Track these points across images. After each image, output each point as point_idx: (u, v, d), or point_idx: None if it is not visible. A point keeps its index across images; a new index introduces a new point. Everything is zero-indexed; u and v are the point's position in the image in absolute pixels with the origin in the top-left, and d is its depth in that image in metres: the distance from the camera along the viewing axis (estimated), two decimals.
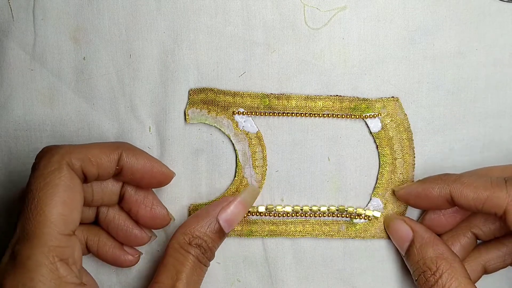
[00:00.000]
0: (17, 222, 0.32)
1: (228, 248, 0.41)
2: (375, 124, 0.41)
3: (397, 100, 0.41)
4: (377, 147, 0.41)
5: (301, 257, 0.42)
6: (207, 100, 0.40)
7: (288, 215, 0.41)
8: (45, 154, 0.33)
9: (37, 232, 0.31)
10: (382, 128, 0.41)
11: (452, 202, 0.37)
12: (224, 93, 0.40)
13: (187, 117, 0.40)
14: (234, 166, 0.41)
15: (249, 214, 0.41)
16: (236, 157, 0.41)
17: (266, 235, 0.41)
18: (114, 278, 0.41)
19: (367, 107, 0.41)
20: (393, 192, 0.41)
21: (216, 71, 0.41)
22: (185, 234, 0.37)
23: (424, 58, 0.41)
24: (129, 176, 0.36)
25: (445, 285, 0.36)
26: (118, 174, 0.36)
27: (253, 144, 0.41)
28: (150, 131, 0.41)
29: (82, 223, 0.38)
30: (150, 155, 0.38)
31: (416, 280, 0.38)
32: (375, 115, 0.41)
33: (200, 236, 0.37)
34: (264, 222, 0.41)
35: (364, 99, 0.41)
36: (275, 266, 0.42)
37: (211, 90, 0.40)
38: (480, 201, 0.36)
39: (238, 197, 0.39)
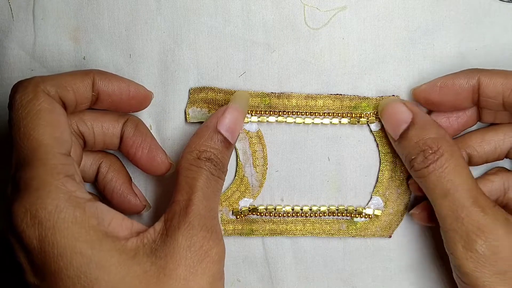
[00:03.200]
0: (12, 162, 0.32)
1: (228, 248, 0.41)
2: (375, 123, 0.41)
3: (398, 98, 0.41)
4: (377, 146, 0.41)
5: (301, 257, 0.42)
6: (207, 99, 0.40)
7: (288, 215, 0.41)
8: (18, 88, 0.32)
9: (34, 155, 0.30)
10: (383, 126, 0.41)
11: (476, 96, 0.37)
12: (225, 92, 0.40)
13: (187, 116, 0.40)
14: (235, 166, 0.41)
15: (249, 213, 0.41)
16: (237, 156, 0.41)
17: (267, 234, 0.41)
18: None
19: (368, 106, 0.41)
20: (413, 93, 0.40)
21: (216, 71, 0.41)
22: (191, 152, 0.35)
23: (424, 58, 0.41)
24: (107, 100, 0.36)
25: (444, 164, 0.35)
26: (97, 101, 0.36)
27: (253, 143, 0.41)
28: (151, 129, 0.41)
29: (95, 151, 0.38)
30: (125, 78, 0.38)
31: (412, 159, 0.36)
32: (375, 113, 0.41)
33: (206, 149, 0.35)
34: (264, 221, 0.41)
35: (365, 98, 0.41)
36: (275, 266, 0.42)
37: (212, 89, 0.40)
38: (509, 86, 0.36)
39: (230, 104, 0.38)
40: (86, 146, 0.37)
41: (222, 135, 0.36)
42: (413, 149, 0.37)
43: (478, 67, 0.39)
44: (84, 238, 0.30)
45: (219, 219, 0.41)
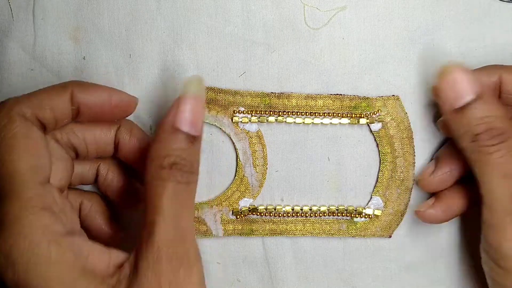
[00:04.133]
0: None
1: (228, 248, 0.41)
2: (375, 123, 0.41)
3: (398, 98, 0.41)
4: (377, 146, 0.41)
5: (301, 257, 0.42)
6: (207, 99, 0.40)
7: (288, 215, 0.41)
8: None
9: (8, 186, 0.30)
10: (383, 126, 0.41)
11: (498, 93, 0.36)
12: (224, 92, 0.40)
13: None
14: (235, 166, 0.41)
15: (249, 213, 0.41)
16: (237, 156, 0.41)
17: (267, 234, 0.41)
18: None
19: (368, 106, 0.41)
20: (433, 91, 0.38)
21: (216, 71, 0.41)
22: (152, 161, 0.32)
23: (424, 58, 0.41)
24: (89, 113, 0.34)
25: None
26: (79, 114, 0.34)
27: (253, 143, 0.41)
28: (151, 130, 0.41)
29: (82, 184, 0.38)
30: (105, 86, 0.36)
31: (477, 134, 0.34)
32: (375, 113, 0.41)
33: (168, 153, 0.31)
34: (264, 221, 0.41)
35: (365, 98, 0.41)
36: (275, 266, 0.42)
37: (211, 89, 0.40)
38: None
39: (183, 94, 0.33)
40: (79, 157, 0.36)
41: (183, 132, 0.32)
42: (478, 124, 0.34)
43: (479, 67, 0.39)
44: (57, 279, 0.29)
45: (219, 219, 0.41)
